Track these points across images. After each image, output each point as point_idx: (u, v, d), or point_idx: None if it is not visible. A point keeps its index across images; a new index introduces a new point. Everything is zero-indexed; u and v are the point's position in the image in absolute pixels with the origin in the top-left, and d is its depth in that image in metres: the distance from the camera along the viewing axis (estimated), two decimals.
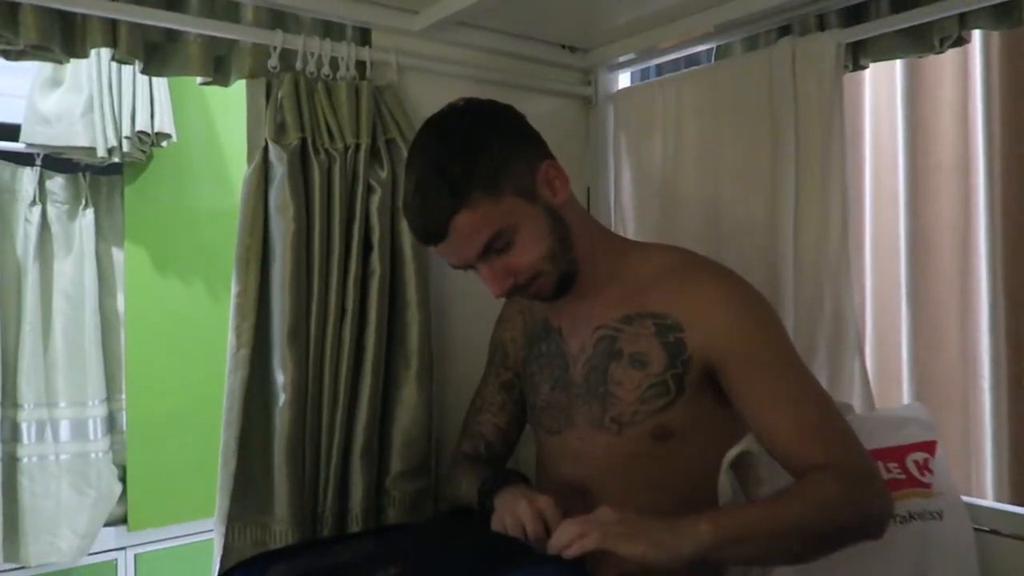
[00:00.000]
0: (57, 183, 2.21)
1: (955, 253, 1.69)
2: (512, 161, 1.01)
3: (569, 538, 0.85)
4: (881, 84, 1.80)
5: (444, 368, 1.45)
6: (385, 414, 1.34)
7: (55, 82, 2.13)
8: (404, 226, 1.34)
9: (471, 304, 1.31)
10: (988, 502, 1.29)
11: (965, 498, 1.14)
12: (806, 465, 0.93)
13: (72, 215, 2.23)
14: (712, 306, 1.01)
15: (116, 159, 2.14)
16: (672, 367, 1.02)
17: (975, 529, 1.11)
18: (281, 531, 1.24)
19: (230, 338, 1.25)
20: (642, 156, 1.64)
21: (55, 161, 2.20)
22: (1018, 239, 1.61)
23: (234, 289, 1.25)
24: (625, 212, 1.66)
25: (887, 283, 1.77)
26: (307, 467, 1.27)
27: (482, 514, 1.06)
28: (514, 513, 0.97)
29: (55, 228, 2.20)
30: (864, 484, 0.92)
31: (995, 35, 1.62)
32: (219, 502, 1.24)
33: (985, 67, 1.63)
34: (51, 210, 2.20)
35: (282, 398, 1.24)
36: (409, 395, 1.34)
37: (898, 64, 1.75)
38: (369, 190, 1.32)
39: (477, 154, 0.99)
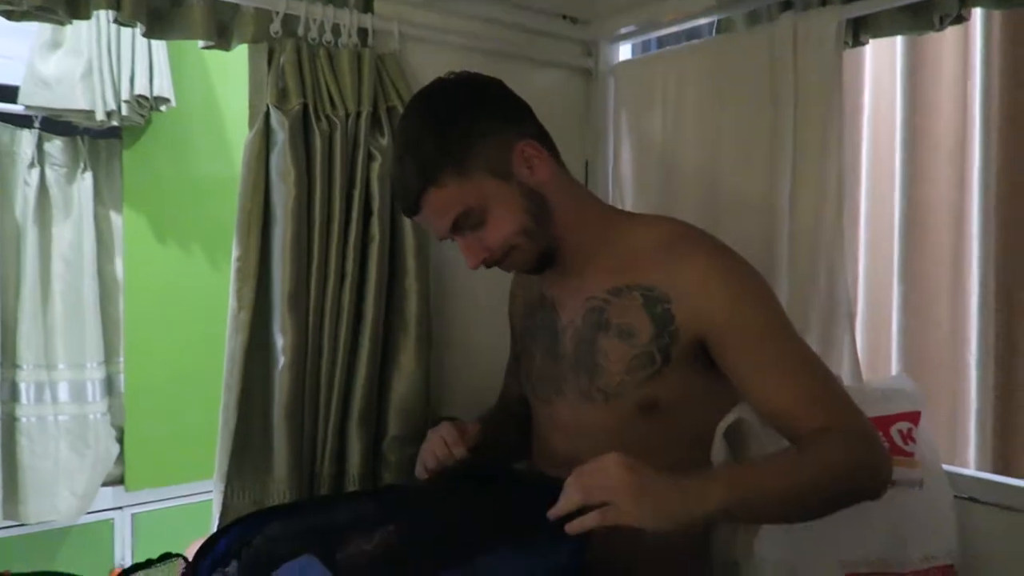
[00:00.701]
0: (56, 146, 2.21)
1: (948, 233, 1.71)
2: (485, 140, 1.03)
3: (569, 507, 0.85)
4: (881, 62, 1.81)
5: (442, 335, 1.47)
6: (383, 379, 1.37)
7: (55, 44, 2.12)
8: None
9: (469, 273, 1.32)
10: (967, 470, 1.32)
11: (946, 467, 1.17)
12: (807, 429, 0.95)
13: (71, 178, 2.24)
14: (704, 279, 1.02)
15: (115, 123, 2.14)
16: (659, 337, 1.04)
17: (955, 496, 1.14)
18: (279, 490, 1.27)
19: (231, 302, 1.27)
20: (642, 129, 1.65)
21: (54, 124, 2.20)
22: (1011, 221, 1.63)
23: (235, 253, 1.27)
24: (624, 185, 1.67)
25: (881, 260, 1.79)
26: (305, 429, 1.29)
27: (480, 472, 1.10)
28: (426, 444, 1.12)
29: (53, 191, 2.21)
30: (868, 444, 0.94)
31: (996, 15, 1.62)
32: (219, 461, 1.26)
33: (985, 48, 1.63)
34: (49, 173, 2.21)
35: (282, 361, 1.26)
36: (407, 361, 1.36)
37: (898, 42, 1.75)
38: (370, 157, 1.33)
39: (449, 133, 1.03)
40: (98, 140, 2.29)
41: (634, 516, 0.82)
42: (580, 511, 0.85)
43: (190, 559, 1.10)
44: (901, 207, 1.75)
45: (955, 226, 1.70)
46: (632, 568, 1.05)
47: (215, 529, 1.22)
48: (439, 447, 1.11)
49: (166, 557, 1.07)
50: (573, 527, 0.84)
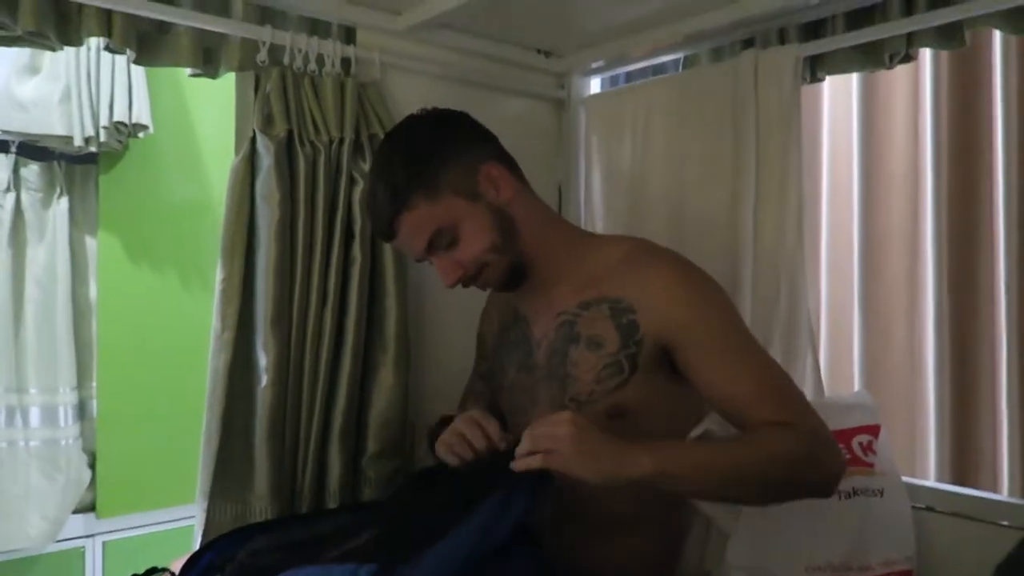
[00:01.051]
0: (32, 170, 2.22)
1: (904, 257, 1.80)
2: (451, 164, 1.11)
3: (521, 453, 0.94)
4: (839, 97, 1.91)
5: (420, 354, 1.51)
6: (362, 397, 1.40)
7: (32, 69, 2.14)
8: None
9: (446, 294, 1.36)
10: (925, 481, 1.38)
11: (905, 478, 1.23)
12: (760, 420, 0.99)
13: (46, 203, 2.24)
14: (664, 288, 1.08)
15: (93, 148, 2.15)
16: (625, 347, 1.09)
17: (913, 507, 1.20)
18: (261, 507, 1.29)
19: (214, 322, 1.30)
20: (612, 157, 1.71)
21: (30, 148, 2.20)
22: (962, 245, 1.72)
23: (219, 275, 1.30)
24: (595, 209, 1.73)
25: (841, 284, 1.87)
26: (287, 446, 1.32)
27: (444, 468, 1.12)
28: (453, 429, 1.09)
29: (28, 215, 2.21)
30: (819, 441, 0.98)
31: (943, 55, 1.73)
32: (201, 479, 1.28)
33: (935, 83, 1.73)
34: (25, 197, 2.20)
35: (264, 379, 1.29)
36: (386, 379, 1.39)
37: (854, 79, 1.85)
38: (352, 182, 1.37)
39: (418, 159, 1.11)
40: (74, 165, 2.30)
41: (571, 465, 0.90)
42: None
43: (176, 573, 1.11)
44: (859, 233, 1.84)
45: (910, 251, 1.79)
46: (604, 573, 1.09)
47: (198, 545, 1.23)
48: (478, 439, 1.07)
49: (152, 572, 1.09)
50: (518, 464, 0.93)
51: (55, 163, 2.25)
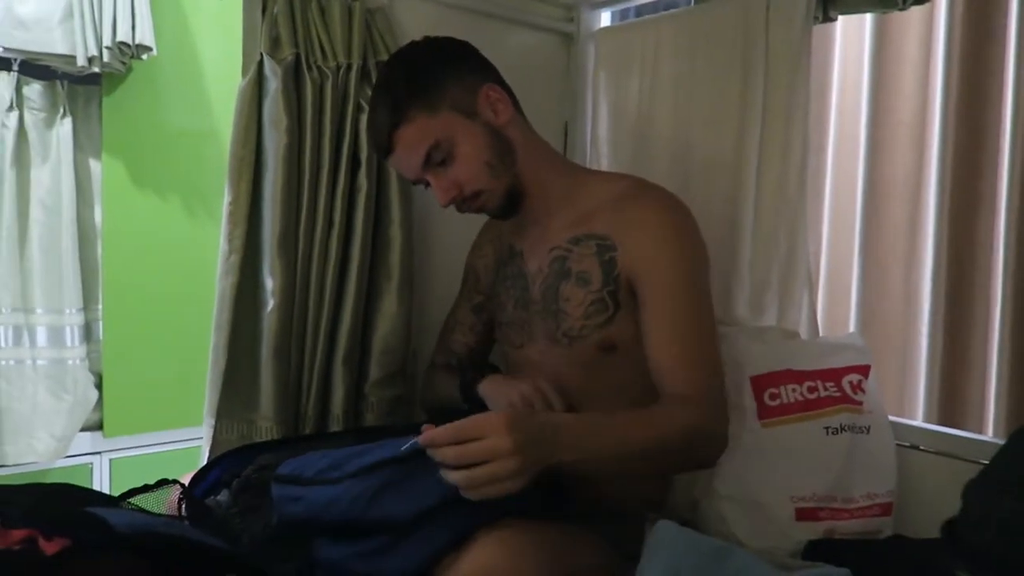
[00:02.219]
0: (35, 89, 2.20)
1: (906, 205, 1.81)
2: (451, 81, 1.13)
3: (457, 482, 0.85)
4: (850, 41, 1.88)
5: (423, 283, 1.53)
6: (366, 323, 1.42)
7: None
8: None
9: (450, 225, 1.39)
10: (911, 420, 1.42)
11: (892, 417, 1.26)
12: (670, 391, 1.05)
13: (49, 123, 2.23)
14: (642, 229, 1.11)
15: (96, 69, 2.13)
16: (607, 284, 1.12)
17: (898, 444, 1.24)
18: (266, 427, 1.32)
19: (221, 244, 1.31)
20: (619, 94, 1.70)
21: (32, 67, 2.19)
22: (964, 196, 1.73)
23: (227, 198, 1.30)
24: (600, 147, 1.73)
25: (842, 229, 1.88)
26: (292, 369, 1.35)
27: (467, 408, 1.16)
28: (521, 392, 1.11)
29: (32, 135, 2.20)
30: (715, 421, 1.05)
31: (958, 1, 1.70)
32: (208, 398, 1.31)
33: (948, 28, 1.71)
34: (28, 117, 2.20)
35: (270, 303, 1.31)
36: (389, 306, 1.41)
37: (867, 22, 1.83)
38: (359, 109, 1.37)
39: (418, 76, 1.12)
40: (77, 86, 2.28)
41: (509, 485, 0.85)
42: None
43: (185, 486, 1.15)
44: (863, 180, 1.84)
45: (912, 199, 1.80)
46: (594, 504, 1.13)
47: (205, 462, 1.27)
48: (542, 402, 1.10)
49: (163, 483, 1.13)
50: (470, 494, 0.85)
51: (58, 83, 2.23)
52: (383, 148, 1.15)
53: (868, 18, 1.82)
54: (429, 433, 0.86)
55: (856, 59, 1.87)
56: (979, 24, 1.69)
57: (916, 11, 1.62)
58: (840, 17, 1.45)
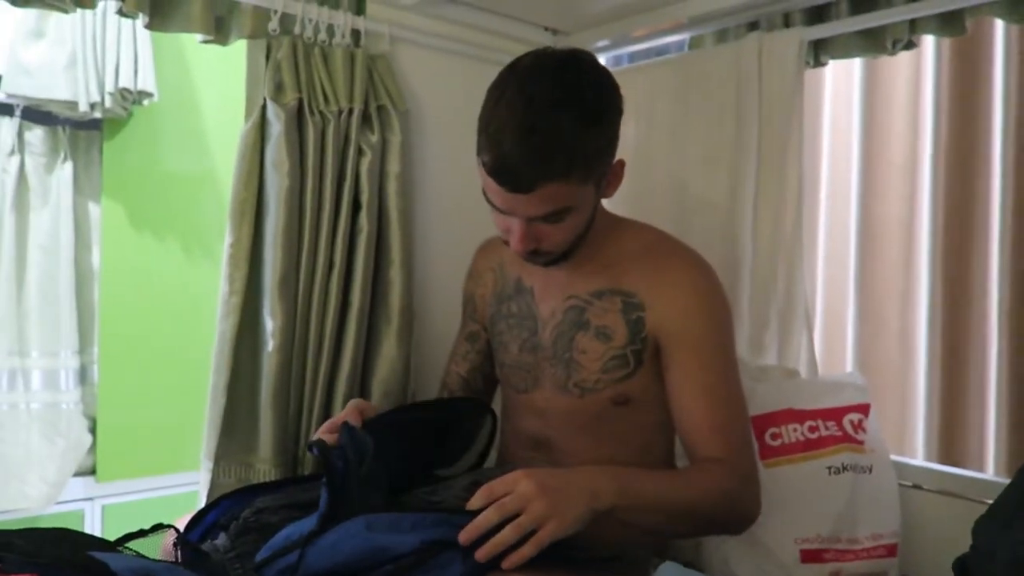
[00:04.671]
0: (36, 135, 2.22)
1: (900, 244, 1.83)
2: (606, 150, 1.03)
3: (487, 524, 0.88)
4: (840, 86, 1.93)
5: (423, 326, 1.53)
6: (366, 366, 1.42)
7: (38, 33, 2.13)
8: (392, 189, 1.42)
9: (451, 266, 1.40)
10: (913, 460, 1.42)
11: (893, 456, 1.26)
12: (703, 454, 1.05)
13: (50, 168, 2.24)
14: (673, 290, 1.10)
15: (98, 115, 2.16)
16: (632, 343, 1.11)
17: (901, 484, 1.24)
18: (264, 470, 1.31)
19: (222, 286, 1.32)
20: None
21: (35, 113, 2.21)
22: (957, 234, 1.75)
23: (228, 239, 1.31)
24: None
25: (838, 269, 1.90)
26: (291, 411, 1.34)
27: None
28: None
29: (32, 180, 2.21)
30: (747, 486, 1.05)
31: (946, 42, 1.75)
32: (206, 441, 1.30)
33: (936, 74, 1.76)
34: (29, 161, 2.21)
35: (270, 344, 1.31)
36: (389, 349, 1.41)
37: (857, 69, 1.87)
38: (360, 152, 1.39)
39: (595, 133, 0.99)
40: (79, 131, 2.30)
41: (560, 528, 0.87)
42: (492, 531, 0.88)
43: (180, 531, 1.13)
44: (856, 220, 1.87)
45: (906, 238, 1.82)
46: (597, 548, 1.12)
47: (203, 506, 1.25)
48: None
49: (157, 528, 1.11)
50: (509, 561, 0.87)
51: (59, 128, 2.25)
52: (519, 187, 0.97)
53: (857, 63, 1.86)
54: (468, 529, 0.88)
55: (846, 103, 1.91)
56: (966, 67, 1.73)
57: (904, 56, 1.66)
58: (831, 62, 1.49)
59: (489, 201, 1.05)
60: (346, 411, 1.12)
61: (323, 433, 1.09)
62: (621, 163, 1.08)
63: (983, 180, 1.71)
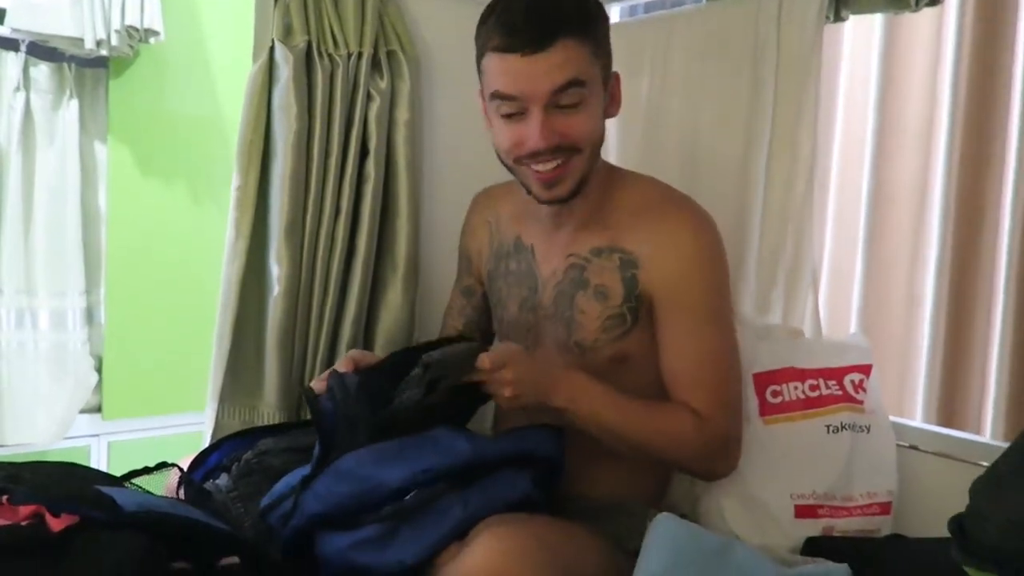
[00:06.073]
0: (42, 71, 2.20)
1: (911, 209, 1.81)
2: (608, 43, 1.09)
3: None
4: (859, 46, 1.89)
5: (427, 272, 1.52)
6: (370, 314, 1.43)
7: None
8: (400, 137, 1.40)
9: (459, 217, 1.39)
10: (911, 421, 1.43)
11: (892, 417, 1.27)
12: (680, 400, 1.08)
13: (56, 105, 2.23)
14: (668, 250, 1.09)
15: (103, 52, 2.13)
16: (627, 301, 1.11)
17: (898, 444, 1.25)
18: (269, 413, 1.33)
19: (228, 230, 1.31)
20: (628, 90, 1.69)
21: (40, 49, 2.18)
22: (969, 200, 1.74)
23: (235, 183, 1.31)
24: (608, 142, 1.72)
25: (846, 230, 1.88)
26: (296, 355, 1.35)
27: None
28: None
29: (38, 117, 2.20)
30: (717, 448, 1.09)
31: (969, 5, 1.71)
32: (212, 382, 1.32)
33: (958, 33, 1.72)
34: (35, 99, 2.20)
35: (276, 289, 1.32)
36: (394, 298, 1.42)
37: (877, 28, 1.83)
38: (369, 98, 1.37)
39: (598, 11, 1.07)
40: (84, 69, 2.28)
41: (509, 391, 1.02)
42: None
43: (184, 470, 1.16)
44: (869, 182, 1.85)
45: (917, 203, 1.81)
46: (594, 500, 1.15)
47: (207, 445, 1.27)
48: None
49: (162, 466, 1.13)
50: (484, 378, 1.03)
51: (65, 65, 2.23)
52: (535, 41, 0.98)
53: (877, 21, 1.82)
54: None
55: (864, 64, 1.87)
56: (988, 29, 1.69)
57: (926, 14, 1.62)
58: (850, 18, 1.45)
59: (499, 97, 1.04)
60: (341, 361, 1.16)
61: (316, 383, 1.12)
62: (618, 76, 1.12)
63: (999, 146, 1.69)
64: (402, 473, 0.95)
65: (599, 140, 1.10)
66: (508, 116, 1.05)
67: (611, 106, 1.12)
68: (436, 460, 0.97)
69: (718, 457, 1.10)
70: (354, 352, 1.19)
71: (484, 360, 1.01)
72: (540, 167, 1.05)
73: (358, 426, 1.00)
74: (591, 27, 1.04)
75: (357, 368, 1.11)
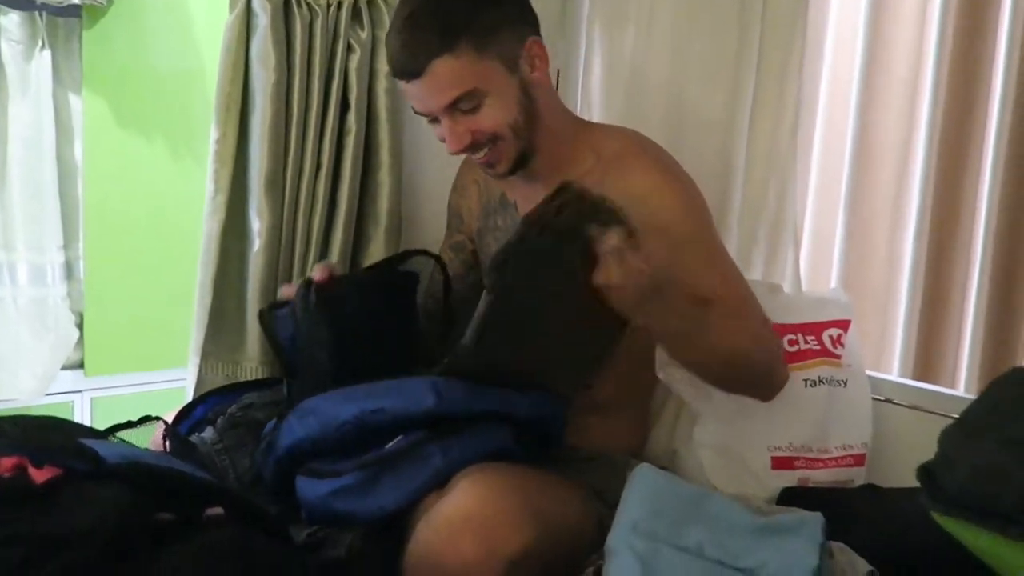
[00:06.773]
0: (12, 20, 2.13)
1: (894, 167, 1.82)
2: (505, 26, 1.07)
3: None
4: (847, 2, 1.87)
5: (411, 230, 1.52)
6: (352, 268, 1.42)
7: None
8: (381, 89, 1.38)
9: (442, 171, 1.38)
10: (886, 375, 1.46)
11: (868, 371, 1.29)
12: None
13: (28, 55, 2.17)
14: (641, 190, 1.08)
15: (76, 0, 2.07)
16: None
17: (874, 398, 1.27)
18: (252, 368, 1.33)
19: (208, 184, 1.30)
20: (614, 44, 1.67)
21: None
22: (951, 158, 1.75)
23: (213, 135, 1.29)
24: (592, 97, 1.71)
25: (828, 185, 1.89)
26: None
27: None
28: None
29: (10, 68, 2.14)
30: (779, 352, 1.10)
31: None
32: (194, 336, 1.31)
33: None
34: (5, 48, 2.13)
35: (257, 244, 1.31)
36: (376, 251, 1.41)
37: None
38: (349, 49, 1.35)
39: (477, 6, 1.05)
40: (57, 18, 2.22)
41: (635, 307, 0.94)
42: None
43: (169, 423, 1.16)
44: (852, 138, 1.85)
45: (901, 160, 1.82)
46: (574, 450, 1.15)
47: (190, 401, 1.28)
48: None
49: (145, 419, 1.13)
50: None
51: (36, 14, 2.16)
52: (410, 71, 1.04)
53: None
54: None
55: (851, 20, 1.86)
56: None
57: None
58: None
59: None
60: (317, 267, 1.13)
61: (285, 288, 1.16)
62: (536, 42, 1.10)
63: (983, 104, 1.70)
64: (353, 409, 0.96)
65: (521, 118, 1.09)
66: (430, 121, 1.11)
67: (533, 72, 1.10)
68: (390, 402, 0.97)
69: (782, 364, 1.11)
70: (327, 261, 1.20)
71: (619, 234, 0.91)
72: (474, 156, 1.12)
73: (316, 346, 1.02)
74: (462, 38, 1.02)
75: (332, 276, 1.11)
